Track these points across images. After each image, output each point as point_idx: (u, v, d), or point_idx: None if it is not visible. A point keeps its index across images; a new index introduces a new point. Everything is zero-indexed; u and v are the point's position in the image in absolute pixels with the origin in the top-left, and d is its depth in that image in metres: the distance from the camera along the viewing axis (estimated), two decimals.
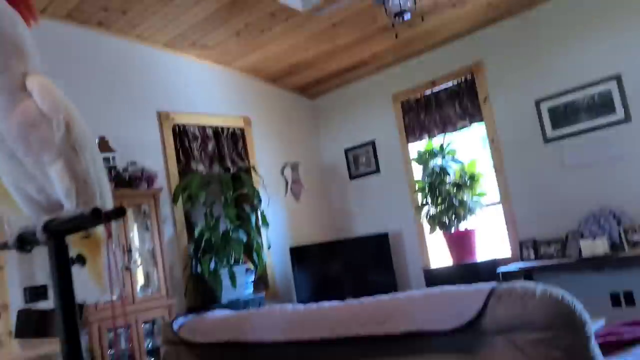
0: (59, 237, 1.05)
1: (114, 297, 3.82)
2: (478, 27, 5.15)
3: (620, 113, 4.41)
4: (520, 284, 1.94)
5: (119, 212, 1.00)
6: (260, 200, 5.16)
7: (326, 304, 2.49)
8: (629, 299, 4.38)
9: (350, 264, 5.68)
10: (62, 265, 1.01)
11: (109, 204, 1.26)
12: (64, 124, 1.25)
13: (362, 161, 6.11)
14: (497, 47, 5.09)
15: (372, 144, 6.00)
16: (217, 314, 2.86)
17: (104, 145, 4.57)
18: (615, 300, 4.44)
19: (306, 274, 5.63)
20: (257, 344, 2.54)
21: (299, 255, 5.64)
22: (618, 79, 4.42)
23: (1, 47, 1.26)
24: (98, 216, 0.98)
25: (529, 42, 4.89)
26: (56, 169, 1.25)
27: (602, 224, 4.36)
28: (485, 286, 2.01)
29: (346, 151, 6.23)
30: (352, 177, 6.20)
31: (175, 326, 2.90)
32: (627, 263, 4.13)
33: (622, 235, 4.27)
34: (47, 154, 1.26)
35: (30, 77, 1.30)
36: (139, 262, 4.51)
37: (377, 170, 5.98)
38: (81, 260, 1.21)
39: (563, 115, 4.70)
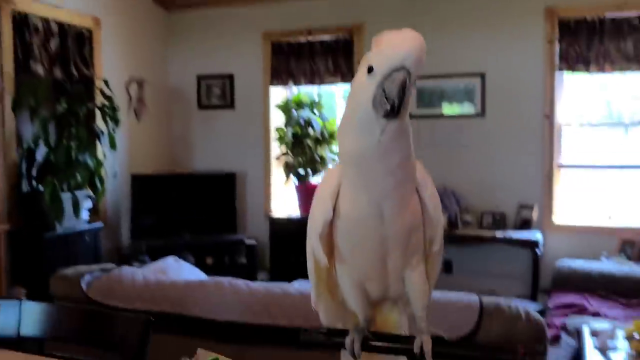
0: None
1: None
2: None
3: (478, 107, 4.93)
4: None
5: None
6: (117, 121, 4.56)
7: (295, 287, 2.41)
8: (448, 267, 5.07)
9: (193, 200, 5.44)
10: None
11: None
12: (442, 229, 1.14)
13: (215, 93, 5.78)
14: (381, 13, 5.18)
15: (230, 77, 5.70)
16: (139, 275, 2.56)
17: None
18: None
19: (144, 205, 5.24)
20: (201, 320, 2.36)
21: (139, 184, 5.20)
22: (482, 76, 4.91)
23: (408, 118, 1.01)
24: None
25: (413, 18, 5.09)
26: (419, 273, 1.12)
27: (445, 203, 4.90)
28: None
29: (199, 78, 5.81)
30: (201, 106, 5.84)
31: (84, 284, 2.53)
32: (458, 239, 4.74)
33: (458, 215, 4.88)
34: (416, 257, 1.11)
35: (417, 167, 1.07)
36: None
37: (232, 106, 5.73)
38: None
39: (429, 97, 5.07)
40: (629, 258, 4.30)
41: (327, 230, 1.10)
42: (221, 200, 5.50)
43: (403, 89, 0.95)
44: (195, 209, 5.42)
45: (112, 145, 4.65)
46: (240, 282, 2.43)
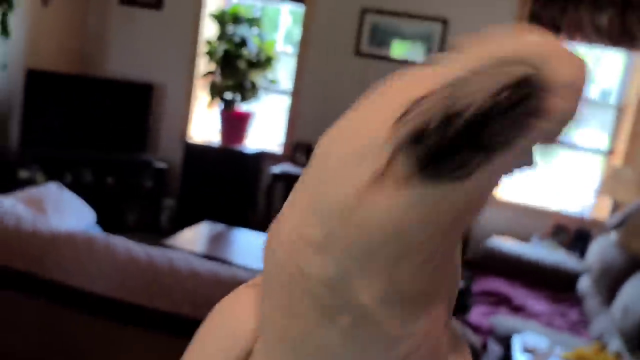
0: None
1: None
2: None
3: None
4: None
5: None
6: (10, 2, 3.74)
7: (188, 261, 1.92)
8: None
9: (100, 109, 4.73)
10: None
11: None
12: None
13: None
14: None
15: None
16: None
17: None
18: None
19: (40, 108, 4.48)
20: (61, 287, 1.85)
21: (36, 81, 4.42)
22: (445, 22, 4.41)
23: None
24: None
25: None
26: None
27: None
28: None
29: None
30: (123, 1, 5.01)
31: None
32: None
33: None
34: None
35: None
36: None
37: (159, 6, 4.94)
38: None
39: (383, 36, 4.53)
40: (560, 244, 4.09)
41: None
42: (132, 114, 4.82)
43: None
44: (100, 119, 4.73)
45: (4, 30, 3.85)
46: (120, 245, 1.91)
